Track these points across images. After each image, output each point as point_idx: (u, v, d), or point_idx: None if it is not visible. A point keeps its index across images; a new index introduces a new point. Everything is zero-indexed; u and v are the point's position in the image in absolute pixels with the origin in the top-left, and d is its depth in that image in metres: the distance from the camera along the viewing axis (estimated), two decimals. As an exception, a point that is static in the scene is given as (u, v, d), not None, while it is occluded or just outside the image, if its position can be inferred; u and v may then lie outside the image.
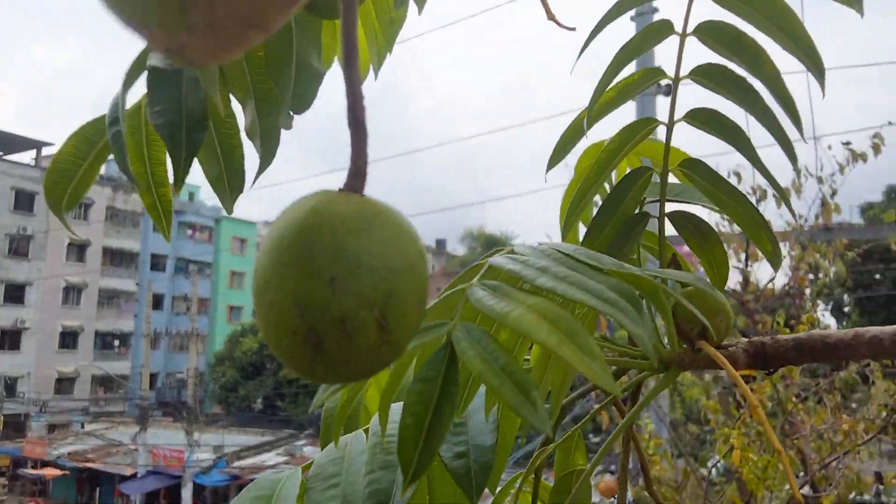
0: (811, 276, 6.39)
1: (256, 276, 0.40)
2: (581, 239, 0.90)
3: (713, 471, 5.41)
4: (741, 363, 0.84)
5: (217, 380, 38.33)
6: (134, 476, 24.92)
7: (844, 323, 25.82)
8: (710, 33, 0.83)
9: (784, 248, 6.45)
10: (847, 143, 6.33)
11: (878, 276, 24.14)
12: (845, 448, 4.36)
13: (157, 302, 41.09)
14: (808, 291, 6.52)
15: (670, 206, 0.93)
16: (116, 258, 43.04)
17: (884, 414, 4.46)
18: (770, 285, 5.91)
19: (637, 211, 0.92)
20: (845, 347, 0.78)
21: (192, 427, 22.97)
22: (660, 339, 0.78)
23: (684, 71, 0.86)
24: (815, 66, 0.76)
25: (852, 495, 4.73)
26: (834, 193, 6.50)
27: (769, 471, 4.16)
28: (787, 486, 4.32)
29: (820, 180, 6.41)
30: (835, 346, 0.79)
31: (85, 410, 35.44)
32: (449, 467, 0.67)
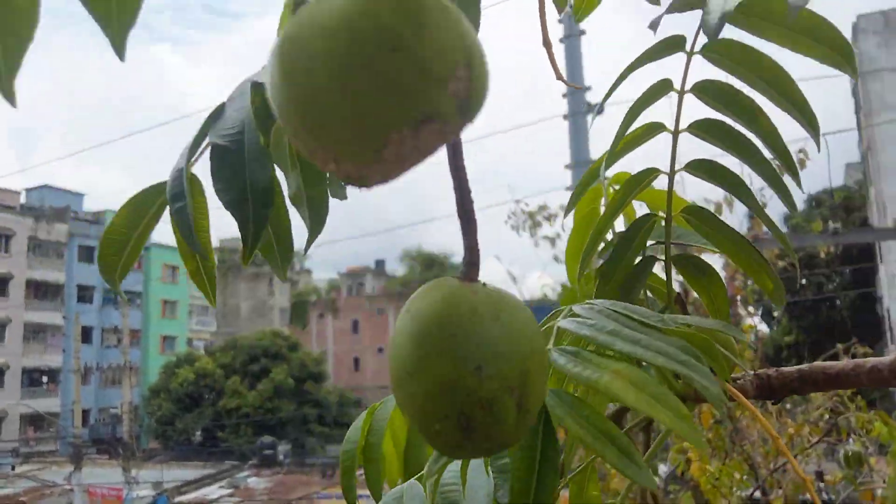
0: (743, 284, 6.62)
1: (397, 364, 0.43)
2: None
3: (665, 480, 5.55)
4: (750, 394, 0.90)
5: (153, 413, 37.17)
6: (69, 518, 23.90)
7: (775, 327, 26.77)
8: (707, 91, 0.90)
9: (720, 260, 6.71)
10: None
11: (803, 282, 25.15)
12: (794, 451, 4.54)
13: (86, 335, 39.64)
14: (739, 298, 6.75)
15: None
16: (41, 291, 41.43)
17: (826, 416, 4.67)
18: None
19: (641, 255, 0.98)
20: (846, 377, 0.85)
21: (129, 463, 22.18)
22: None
23: (683, 124, 0.92)
24: (811, 126, 0.83)
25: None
26: (763, 206, 6.75)
27: (723, 479, 4.31)
28: (738, 492, 4.48)
29: (750, 194, 6.64)
30: (836, 376, 0.86)
31: (15, 451, 33.84)
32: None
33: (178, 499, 23.75)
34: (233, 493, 23.85)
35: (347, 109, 0.33)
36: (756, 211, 0.91)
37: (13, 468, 30.12)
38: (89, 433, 32.21)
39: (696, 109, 0.94)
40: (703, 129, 0.92)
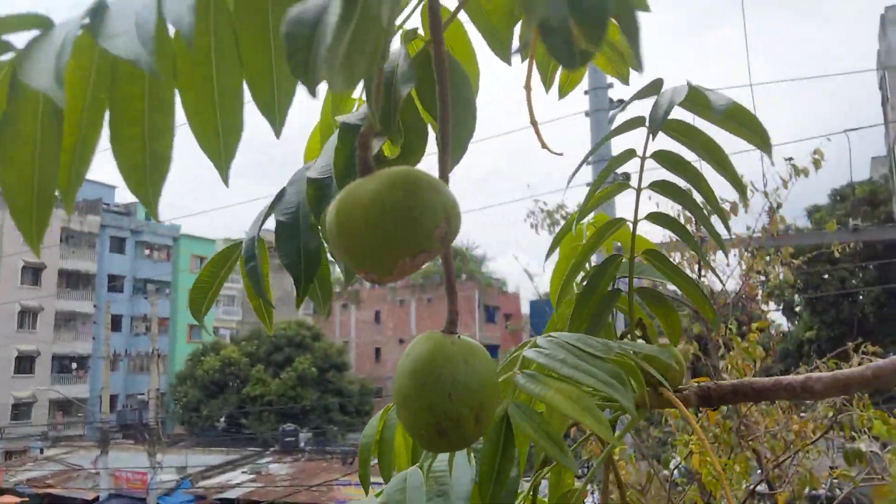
0: (762, 279, 6.74)
1: (400, 391, 0.66)
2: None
3: (675, 472, 5.74)
4: (692, 403, 1.12)
5: (179, 400, 37.89)
6: (96, 500, 24.56)
7: (796, 322, 26.67)
8: (663, 158, 1.12)
9: (734, 257, 6.87)
10: (789, 159, 6.76)
11: (825, 277, 25.10)
12: (798, 447, 4.73)
13: (116, 323, 40.46)
14: (759, 293, 6.86)
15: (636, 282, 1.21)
16: (73, 280, 42.33)
17: (830, 413, 4.85)
18: (723, 297, 6.27)
19: (611, 287, 1.20)
20: (768, 392, 1.07)
21: (155, 448, 22.71)
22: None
23: (644, 183, 1.14)
24: (739, 190, 1.05)
25: (806, 490, 5.06)
26: (779, 206, 6.89)
27: (726, 472, 4.50)
28: (744, 484, 4.67)
29: (765, 195, 6.79)
30: (760, 390, 1.08)
31: (43, 435, 34.74)
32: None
33: (201, 483, 24.30)
34: (255, 479, 24.35)
35: (374, 248, 0.57)
36: (701, 220, 1.11)
37: (42, 451, 30.96)
38: (117, 418, 32.92)
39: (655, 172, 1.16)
40: (660, 187, 1.13)
